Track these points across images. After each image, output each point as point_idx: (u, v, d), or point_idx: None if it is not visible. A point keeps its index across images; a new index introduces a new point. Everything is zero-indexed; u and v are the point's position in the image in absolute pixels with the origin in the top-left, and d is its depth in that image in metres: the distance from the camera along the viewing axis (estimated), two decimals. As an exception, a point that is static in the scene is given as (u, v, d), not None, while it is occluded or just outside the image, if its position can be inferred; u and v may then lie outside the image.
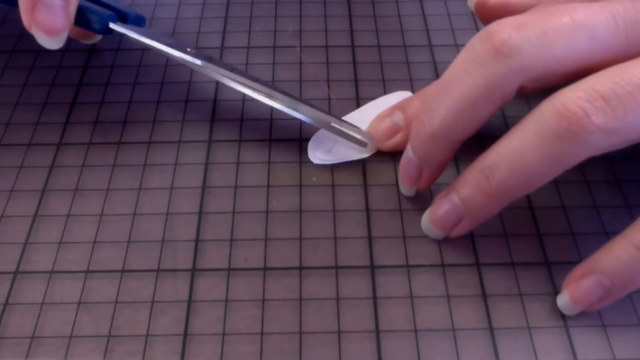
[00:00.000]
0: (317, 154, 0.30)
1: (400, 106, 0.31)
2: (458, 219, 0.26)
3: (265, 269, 0.27)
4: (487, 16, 0.31)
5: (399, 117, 0.30)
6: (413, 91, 0.33)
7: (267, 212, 0.28)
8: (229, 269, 0.26)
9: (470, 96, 0.24)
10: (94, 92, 0.34)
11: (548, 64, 0.23)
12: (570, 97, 0.22)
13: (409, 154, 0.27)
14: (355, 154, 0.30)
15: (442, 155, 0.26)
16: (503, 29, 0.23)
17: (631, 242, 0.23)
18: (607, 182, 0.30)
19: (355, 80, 0.34)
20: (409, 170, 0.27)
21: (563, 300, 0.25)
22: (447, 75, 0.25)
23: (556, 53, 0.23)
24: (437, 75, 0.35)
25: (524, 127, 0.23)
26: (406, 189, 0.29)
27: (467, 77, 0.24)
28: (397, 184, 0.29)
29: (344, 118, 0.32)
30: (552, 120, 0.22)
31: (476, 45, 0.24)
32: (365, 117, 0.32)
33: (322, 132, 0.31)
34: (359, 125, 0.31)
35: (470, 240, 0.27)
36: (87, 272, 0.26)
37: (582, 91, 0.22)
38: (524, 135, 0.23)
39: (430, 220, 0.27)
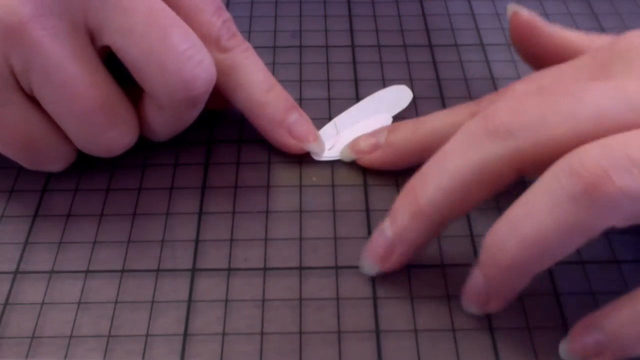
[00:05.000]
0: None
1: (389, 127, 0.30)
2: (487, 297, 0.24)
3: (265, 269, 0.27)
4: (517, 31, 0.29)
5: (382, 136, 0.29)
6: (413, 91, 0.33)
7: (267, 212, 0.28)
8: (229, 269, 0.26)
9: (462, 175, 0.23)
10: (94, 92, 0.33)
11: (546, 146, 0.22)
12: (590, 155, 0.20)
13: (384, 225, 0.25)
14: None
15: (420, 236, 0.24)
16: (499, 112, 0.23)
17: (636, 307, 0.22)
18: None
19: (355, 80, 0.34)
20: (378, 245, 0.25)
21: (562, 348, 0.24)
22: (442, 150, 0.24)
23: (556, 135, 0.22)
24: (437, 75, 0.35)
25: (535, 190, 0.21)
26: (369, 266, 0.26)
27: (460, 155, 0.23)
28: (397, 184, 0.29)
29: (341, 115, 0.32)
30: (566, 181, 0.20)
31: (472, 126, 0.23)
32: (362, 113, 0.32)
33: (324, 130, 0.31)
34: (355, 122, 0.31)
35: (470, 240, 0.27)
36: (87, 272, 0.26)
37: (604, 147, 0.20)
38: (535, 200, 0.21)
39: (465, 294, 0.25)
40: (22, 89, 0.26)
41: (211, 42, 0.29)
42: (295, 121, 0.30)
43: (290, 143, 0.30)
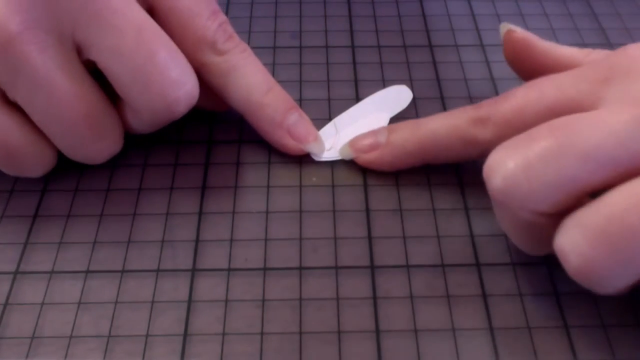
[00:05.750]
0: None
1: (389, 127, 0.30)
2: None
3: (265, 269, 0.27)
4: (512, 49, 0.29)
5: (382, 136, 0.29)
6: (413, 91, 0.33)
7: (267, 212, 0.28)
8: (229, 269, 0.26)
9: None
10: (94, 92, 0.33)
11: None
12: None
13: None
14: None
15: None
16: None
17: None
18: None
19: (355, 81, 0.34)
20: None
21: None
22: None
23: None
24: (437, 75, 0.35)
25: None
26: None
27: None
28: (397, 184, 0.29)
29: (341, 115, 0.32)
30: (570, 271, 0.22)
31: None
32: (362, 114, 0.32)
33: (323, 130, 0.31)
34: (356, 122, 0.31)
35: (470, 240, 0.27)
36: (87, 272, 0.26)
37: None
38: None
39: None
40: (4, 97, 0.26)
41: (207, 45, 0.29)
42: (295, 122, 0.30)
43: (290, 144, 0.30)
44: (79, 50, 0.26)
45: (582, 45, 0.35)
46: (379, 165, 0.29)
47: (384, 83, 0.34)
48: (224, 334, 0.24)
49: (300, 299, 0.25)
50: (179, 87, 0.27)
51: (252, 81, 0.30)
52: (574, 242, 0.21)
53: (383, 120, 0.31)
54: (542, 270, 0.26)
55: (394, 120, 0.32)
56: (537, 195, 0.22)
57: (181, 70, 0.27)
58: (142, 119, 0.28)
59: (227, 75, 0.29)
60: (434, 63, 0.35)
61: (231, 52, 0.29)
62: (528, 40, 0.29)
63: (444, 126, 0.28)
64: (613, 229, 0.21)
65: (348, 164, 0.30)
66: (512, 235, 0.25)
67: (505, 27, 0.30)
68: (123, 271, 0.26)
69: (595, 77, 0.25)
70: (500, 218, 0.25)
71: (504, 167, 0.23)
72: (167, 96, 0.27)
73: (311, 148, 0.30)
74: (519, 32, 0.29)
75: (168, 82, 0.26)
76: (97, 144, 0.28)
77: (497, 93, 0.33)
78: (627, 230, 0.20)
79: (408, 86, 0.34)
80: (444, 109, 0.33)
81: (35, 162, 0.28)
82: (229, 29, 0.30)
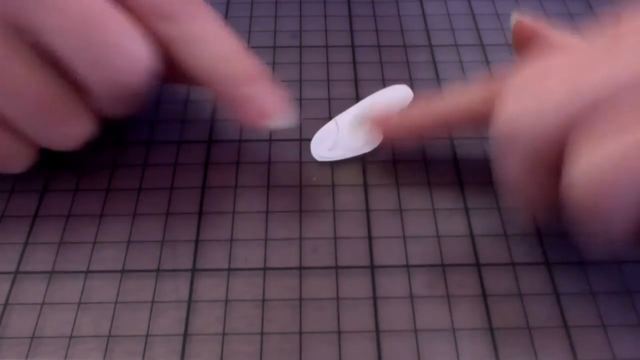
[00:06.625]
0: (320, 151, 0.30)
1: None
2: None
3: (265, 269, 0.27)
4: (520, 39, 0.29)
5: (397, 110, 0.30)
6: (413, 91, 0.33)
7: (267, 212, 0.28)
8: (229, 269, 0.26)
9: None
10: (94, 92, 0.33)
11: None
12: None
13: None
14: (358, 149, 0.30)
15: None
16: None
17: None
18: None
19: (355, 80, 0.34)
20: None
21: None
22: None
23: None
24: (437, 75, 0.35)
25: None
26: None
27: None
28: (397, 184, 0.29)
29: (341, 114, 0.32)
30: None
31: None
32: (363, 111, 0.32)
33: (323, 130, 0.31)
34: (357, 120, 0.31)
35: (470, 240, 0.27)
36: (87, 272, 0.26)
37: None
38: None
39: None
40: None
41: (162, 15, 0.27)
42: (257, 93, 0.27)
43: (254, 118, 0.27)
44: (29, 37, 0.25)
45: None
46: (397, 132, 0.30)
47: (384, 83, 0.34)
48: (224, 334, 0.25)
49: (300, 299, 0.25)
50: (133, 60, 0.25)
51: (213, 49, 0.27)
52: (588, 166, 0.22)
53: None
54: (542, 270, 0.26)
55: (394, 120, 0.32)
56: (548, 114, 0.23)
57: (133, 42, 0.25)
58: (103, 97, 0.26)
59: (186, 44, 0.27)
60: (434, 63, 0.35)
61: (189, 21, 0.27)
62: (538, 28, 0.29)
63: (460, 100, 0.28)
64: (632, 153, 0.21)
65: (348, 163, 0.30)
66: (517, 180, 0.25)
67: (515, 17, 0.29)
68: (123, 271, 0.26)
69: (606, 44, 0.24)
70: (506, 162, 0.25)
71: (513, 101, 0.24)
72: (121, 70, 0.25)
73: (275, 123, 0.27)
74: (529, 20, 0.29)
75: (120, 56, 0.25)
76: (62, 127, 0.26)
77: (497, 93, 0.33)
78: None
79: (408, 86, 0.34)
80: (444, 108, 0.33)
81: (10, 157, 0.27)
82: None
